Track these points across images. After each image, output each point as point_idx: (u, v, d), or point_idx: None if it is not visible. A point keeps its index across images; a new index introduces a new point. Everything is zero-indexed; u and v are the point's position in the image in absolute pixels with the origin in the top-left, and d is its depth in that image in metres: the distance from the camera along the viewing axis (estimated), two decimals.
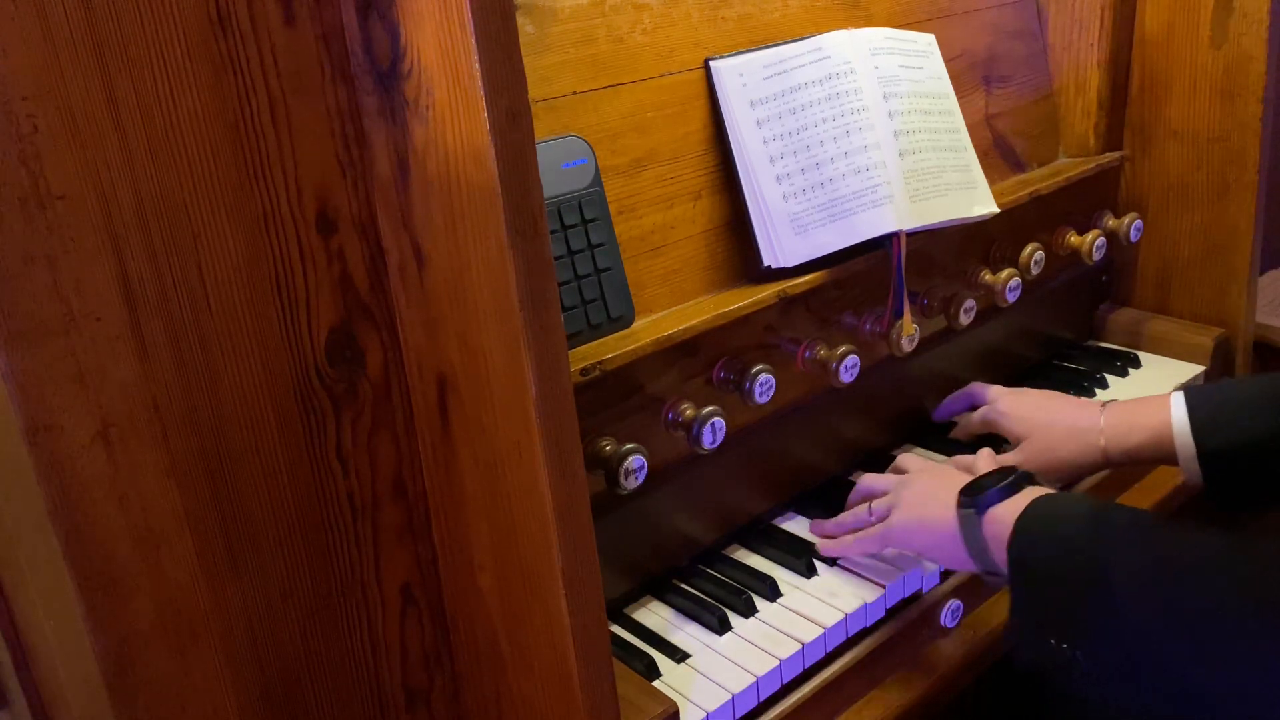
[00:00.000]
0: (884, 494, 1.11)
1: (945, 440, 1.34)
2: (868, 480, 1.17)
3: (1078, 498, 0.98)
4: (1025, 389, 1.32)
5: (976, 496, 0.99)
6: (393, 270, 0.87)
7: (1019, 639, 0.94)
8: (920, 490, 1.07)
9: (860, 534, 1.10)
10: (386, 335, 0.89)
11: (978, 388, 1.33)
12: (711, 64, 1.11)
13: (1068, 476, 1.19)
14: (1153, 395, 1.16)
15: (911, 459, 1.20)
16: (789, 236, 1.11)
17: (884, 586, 1.08)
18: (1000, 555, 0.96)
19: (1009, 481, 0.98)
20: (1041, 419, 1.20)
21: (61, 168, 0.72)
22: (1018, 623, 0.94)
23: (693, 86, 1.11)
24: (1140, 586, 0.85)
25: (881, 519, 1.08)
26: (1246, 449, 1.08)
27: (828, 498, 1.22)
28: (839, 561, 1.13)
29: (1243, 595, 0.81)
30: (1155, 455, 1.13)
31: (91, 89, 0.72)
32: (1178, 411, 1.11)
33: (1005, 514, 0.96)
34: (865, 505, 1.12)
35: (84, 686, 0.86)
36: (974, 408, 1.31)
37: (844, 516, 1.14)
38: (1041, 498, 0.96)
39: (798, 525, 1.21)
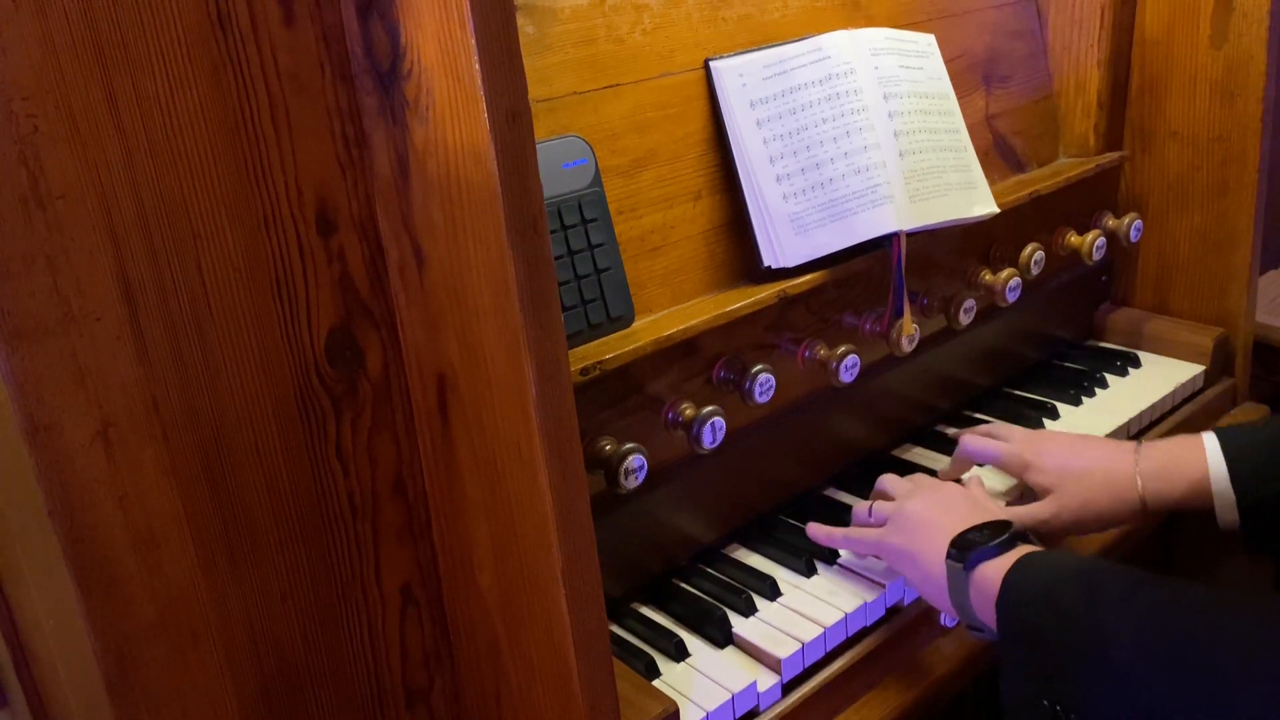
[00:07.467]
0: (892, 499, 1.10)
1: (947, 440, 1.34)
2: (887, 481, 1.14)
3: (1065, 555, 0.95)
4: (1045, 431, 1.24)
5: (967, 552, 0.96)
6: (393, 270, 0.87)
7: (1011, 701, 0.92)
8: (918, 518, 1.04)
9: (856, 532, 1.10)
10: (386, 335, 0.89)
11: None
12: (711, 64, 1.11)
13: (1102, 529, 1.14)
14: (1184, 438, 1.11)
15: (923, 478, 1.15)
16: (789, 236, 1.11)
17: (884, 586, 1.08)
18: (985, 613, 0.94)
19: (1002, 540, 0.95)
20: (1075, 468, 1.12)
21: (61, 168, 0.72)
22: (1010, 685, 0.92)
23: (693, 87, 1.11)
24: (1139, 643, 0.83)
25: (880, 524, 1.08)
26: None
27: (827, 497, 1.22)
28: (839, 561, 1.13)
29: (1246, 646, 0.79)
30: (1193, 506, 1.09)
31: (91, 89, 0.72)
32: (1214, 460, 1.08)
33: (993, 572, 0.93)
34: (867, 505, 1.12)
35: (84, 686, 0.86)
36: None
37: (854, 524, 1.13)
38: (1029, 554, 0.94)
39: (798, 525, 1.21)
